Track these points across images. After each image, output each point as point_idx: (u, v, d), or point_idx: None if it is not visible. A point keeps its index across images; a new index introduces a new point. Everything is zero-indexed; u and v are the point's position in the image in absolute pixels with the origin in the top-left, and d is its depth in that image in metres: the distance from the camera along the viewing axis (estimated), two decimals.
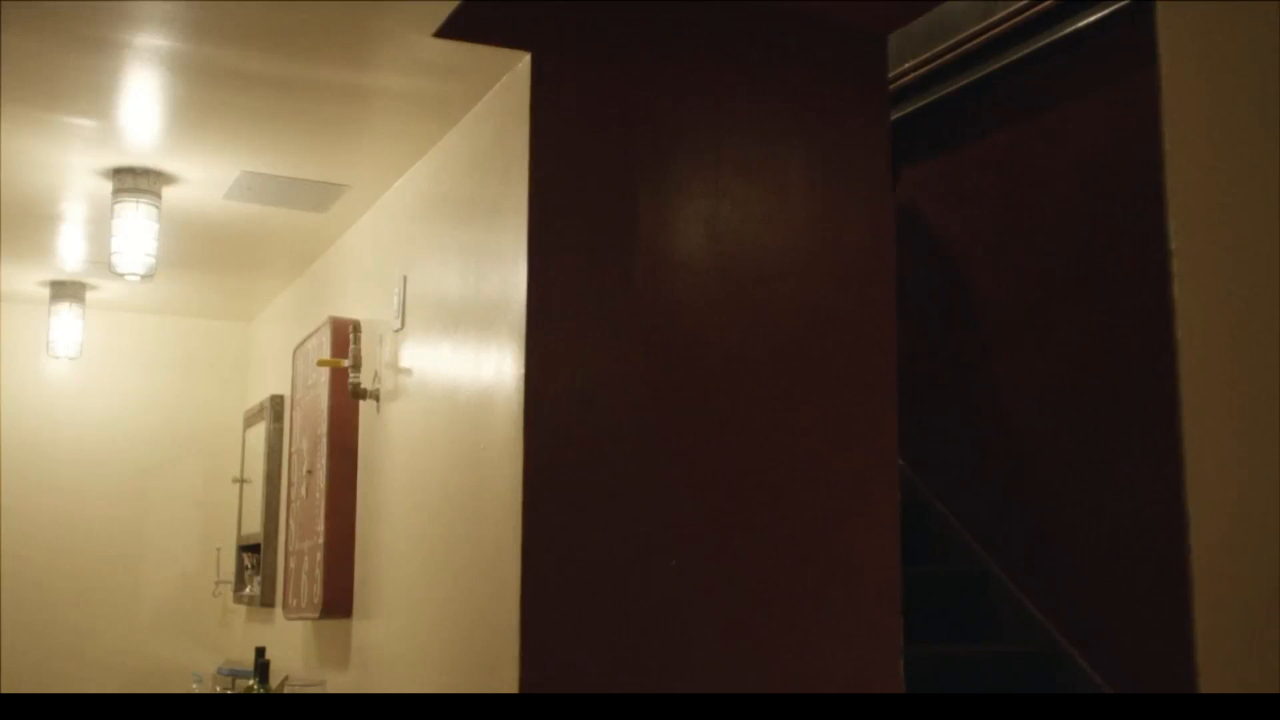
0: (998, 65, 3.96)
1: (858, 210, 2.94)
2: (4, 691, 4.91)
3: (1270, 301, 0.93)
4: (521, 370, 2.65)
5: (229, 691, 4.32)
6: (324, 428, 3.89)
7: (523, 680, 2.53)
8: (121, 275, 3.81)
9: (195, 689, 4.50)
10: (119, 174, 3.65)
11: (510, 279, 2.75)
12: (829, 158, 2.95)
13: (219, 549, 5.23)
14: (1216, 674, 0.96)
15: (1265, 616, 0.91)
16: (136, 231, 3.70)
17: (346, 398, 3.76)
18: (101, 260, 4.05)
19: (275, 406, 4.74)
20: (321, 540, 3.81)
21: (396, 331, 3.51)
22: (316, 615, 3.84)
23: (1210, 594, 0.96)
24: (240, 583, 5.00)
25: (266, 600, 4.65)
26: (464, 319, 3.05)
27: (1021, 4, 3.82)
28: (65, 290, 4.94)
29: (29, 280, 4.86)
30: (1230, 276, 0.98)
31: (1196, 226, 1.01)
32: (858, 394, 2.87)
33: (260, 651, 4.21)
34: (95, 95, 3.16)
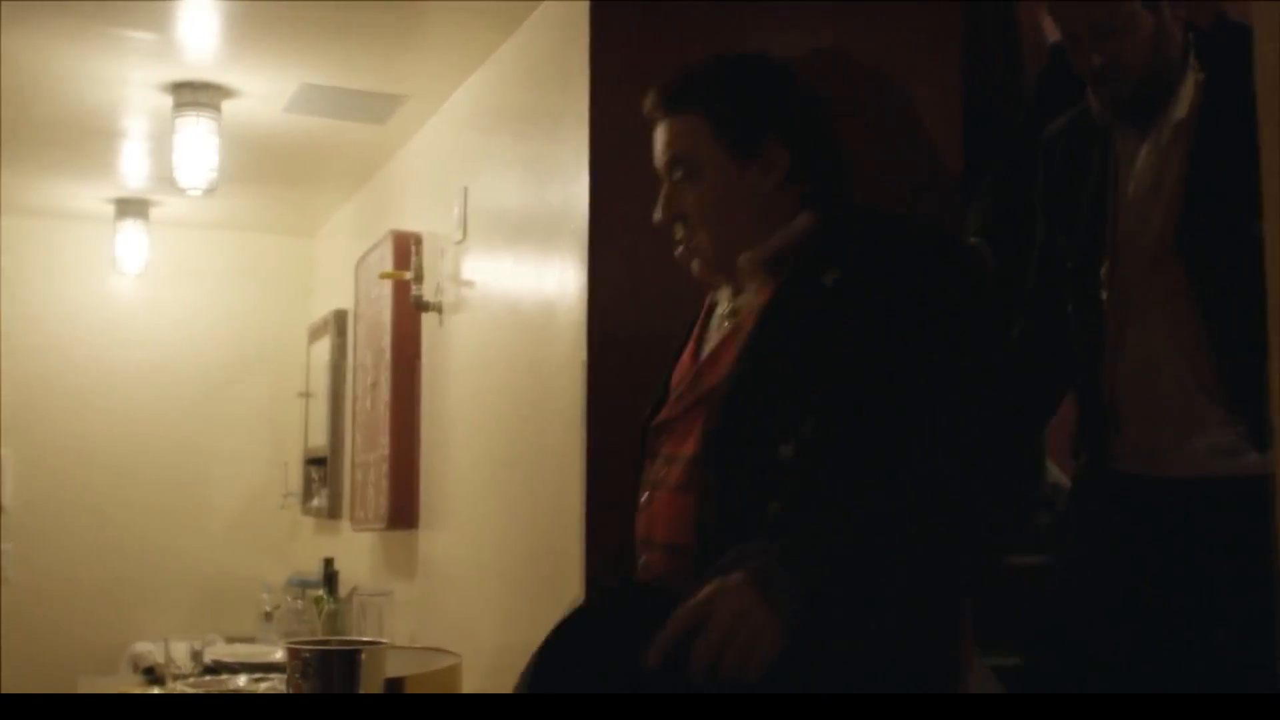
0: None
1: (932, 110, 2.87)
2: (86, 607, 5.03)
3: None
4: (584, 282, 2.63)
5: (299, 601, 4.39)
6: (387, 341, 3.91)
7: (587, 589, 2.53)
8: (184, 190, 3.83)
9: (265, 599, 4.57)
10: (179, 89, 3.65)
11: (572, 191, 2.72)
12: (893, 71, 2.88)
13: (286, 463, 5.29)
14: None
15: None
16: (197, 146, 3.70)
17: (409, 311, 3.76)
18: (164, 176, 4.06)
19: (339, 321, 4.76)
20: (386, 452, 3.84)
21: (458, 244, 3.50)
22: (382, 526, 3.88)
23: None
24: (307, 495, 5.06)
25: (333, 512, 4.71)
26: (526, 231, 3.03)
27: None
28: (129, 207, 4.98)
29: (94, 198, 4.89)
30: None
31: None
32: None
33: (328, 562, 4.26)
34: (154, 8, 3.15)
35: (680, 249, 1.95)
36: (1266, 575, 1.97)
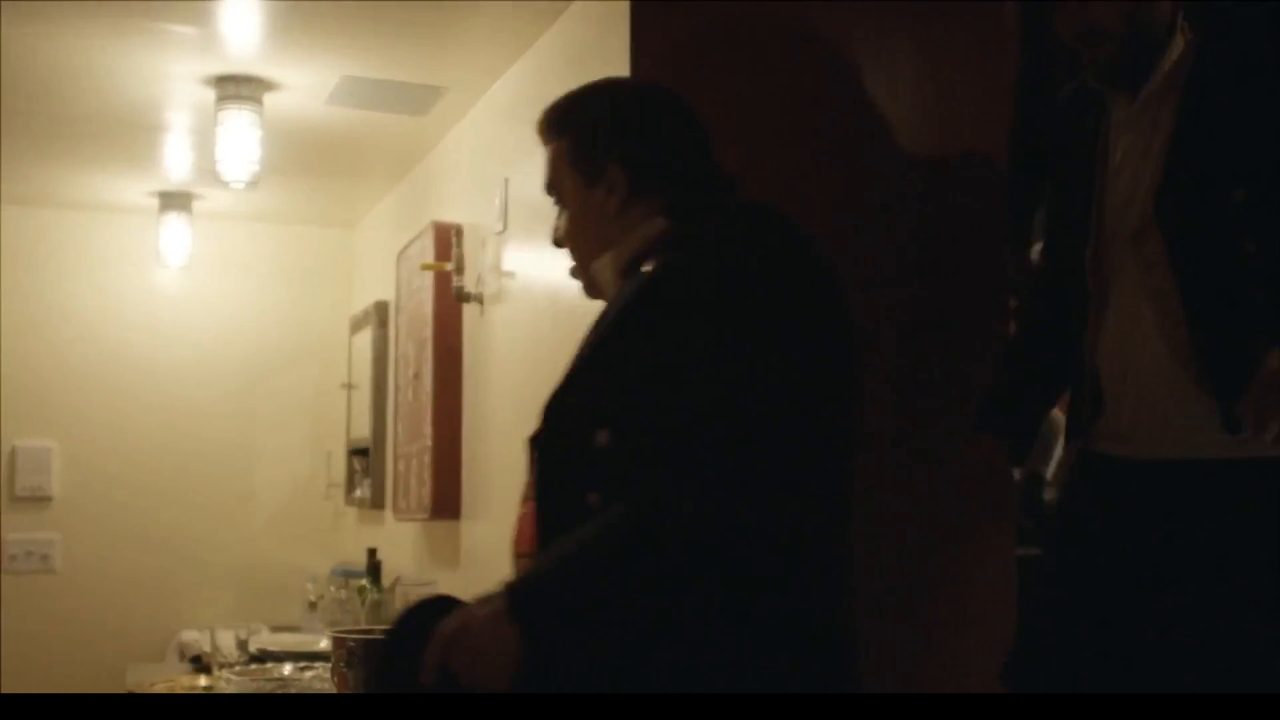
0: None
1: (968, 106, 2.85)
2: (133, 596, 5.08)
3: None
4: None
5: (343, 591, 4.42)
6: (429, 332, 3.92)
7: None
8: (226, 183, 3.85)
9: (310, 589, 4.60)
10: (221, 82, 3.67)
11: None
12: (940, 52, 2.86)
13: (329, 453, 5.32)
14: None
15: None
16: (240, 139, 3.73)
17: (450, 302, 3.78)
18: (207, 169, 4.09)
19: (380, 312, 4.79)
20: (429, 443, 3.85)
21: (499, 234, 3.50)
22: (425, 516, 3.89)
23: None
24: (351, 486, 5.09)
25: (377, 502, 4.73)
26: None
27: None
28: (173, 200, 5.02)
29: (138, 191, 4.94)
30: None
31: None
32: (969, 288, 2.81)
33: (372, 553, 4.29)
34: (196, 2, 3.17)
35: (571, 266, 2.04)
36: (1252, 559, 1.94)
